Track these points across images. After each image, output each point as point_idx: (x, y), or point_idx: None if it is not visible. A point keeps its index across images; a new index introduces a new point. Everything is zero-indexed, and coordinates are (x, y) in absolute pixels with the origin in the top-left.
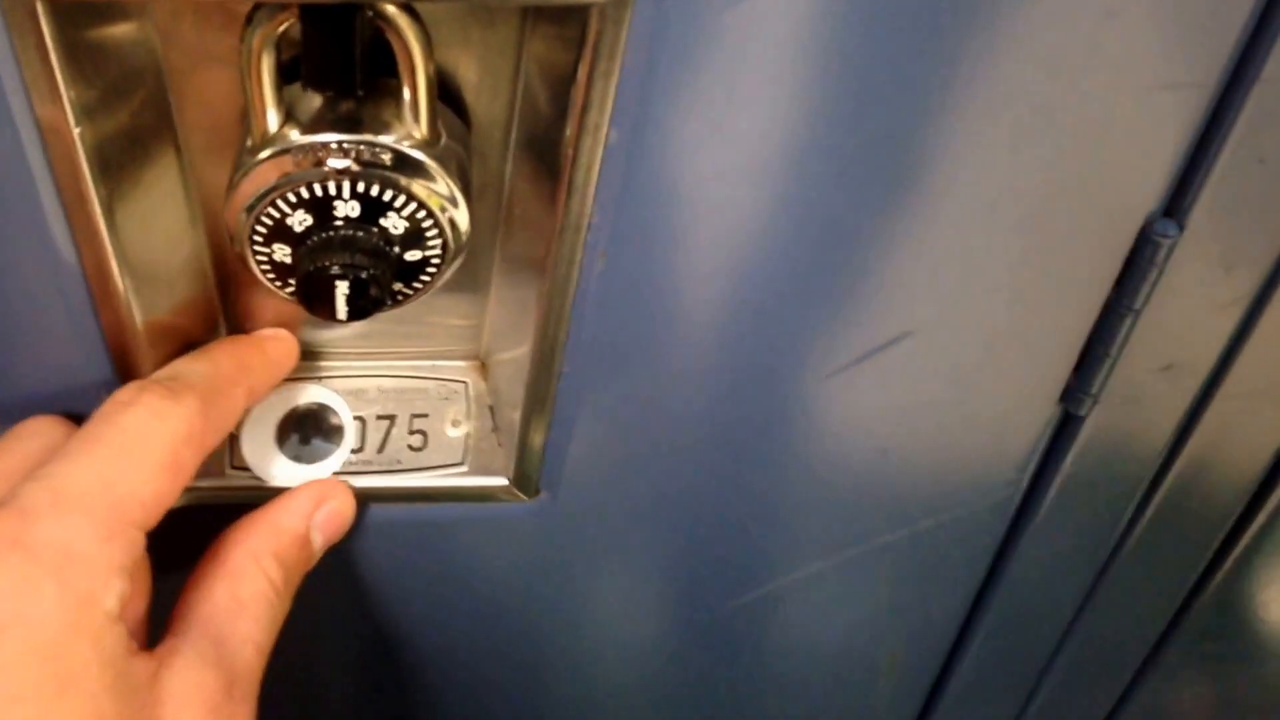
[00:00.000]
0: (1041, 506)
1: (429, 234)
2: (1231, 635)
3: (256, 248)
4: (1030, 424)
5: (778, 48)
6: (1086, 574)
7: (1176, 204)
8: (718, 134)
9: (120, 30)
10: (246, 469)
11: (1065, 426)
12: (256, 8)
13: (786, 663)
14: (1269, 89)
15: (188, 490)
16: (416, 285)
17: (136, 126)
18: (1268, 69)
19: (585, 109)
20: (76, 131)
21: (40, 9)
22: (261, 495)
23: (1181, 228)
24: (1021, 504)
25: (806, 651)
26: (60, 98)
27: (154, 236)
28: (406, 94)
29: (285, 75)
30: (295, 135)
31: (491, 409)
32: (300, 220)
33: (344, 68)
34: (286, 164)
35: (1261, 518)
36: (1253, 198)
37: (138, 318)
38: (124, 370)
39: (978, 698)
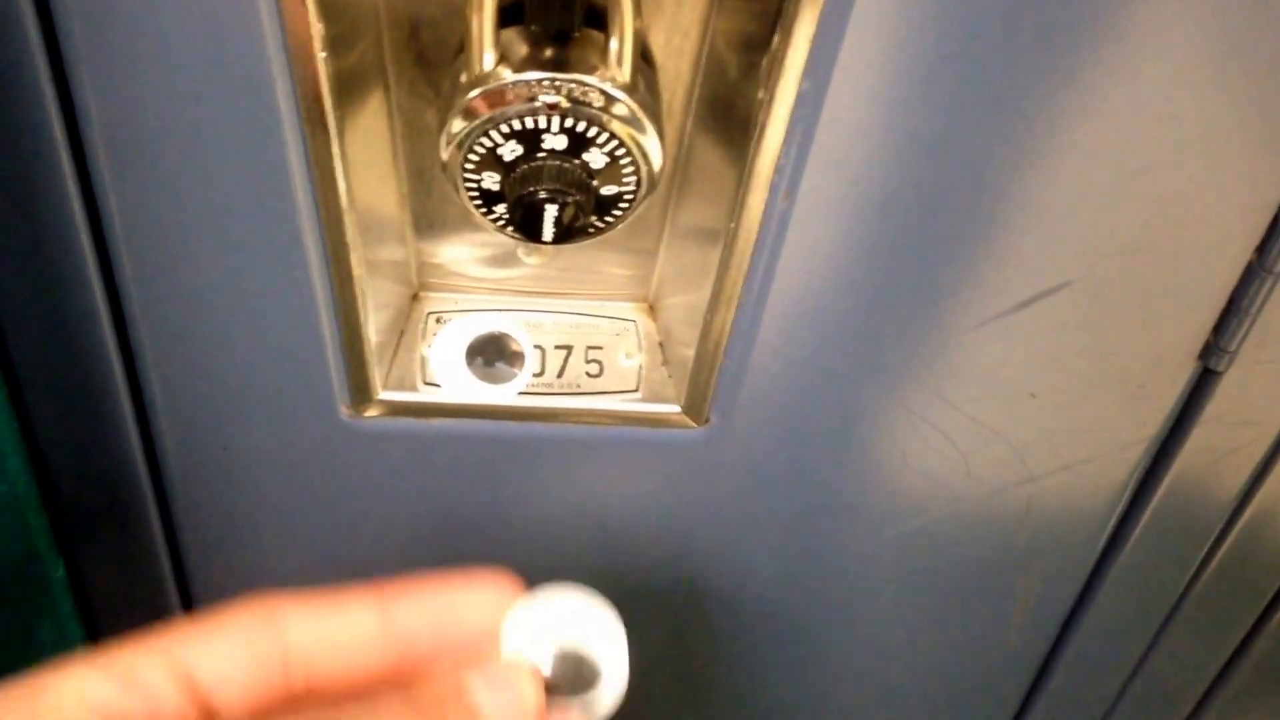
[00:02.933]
0: (1173, 462)
1: (626, 170)
2: None
3: (468, 175)
4: (1171, 378)
5: (954, 30)
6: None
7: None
8: (896, 97)
9: None
10: (437, 385)
11: (1203, 382)
12: None
13: (922, 598)
14: None
15: (381, 403)
16: (611, 218)
17: (362, 64)
18: None
19: (779, 60)
20: (322, 57)
21: None
22: (449, 408)
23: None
24: (1155, 457)
25: (946, 582)
26: (311, 29)
27: (369, 167)
28: (614, 43)
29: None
30: (510, 73)
31: (662, 345)
32: (511, 150)
33: (564, 11)
34: (502, 97)
35: None
36: None
37: (354, 250)
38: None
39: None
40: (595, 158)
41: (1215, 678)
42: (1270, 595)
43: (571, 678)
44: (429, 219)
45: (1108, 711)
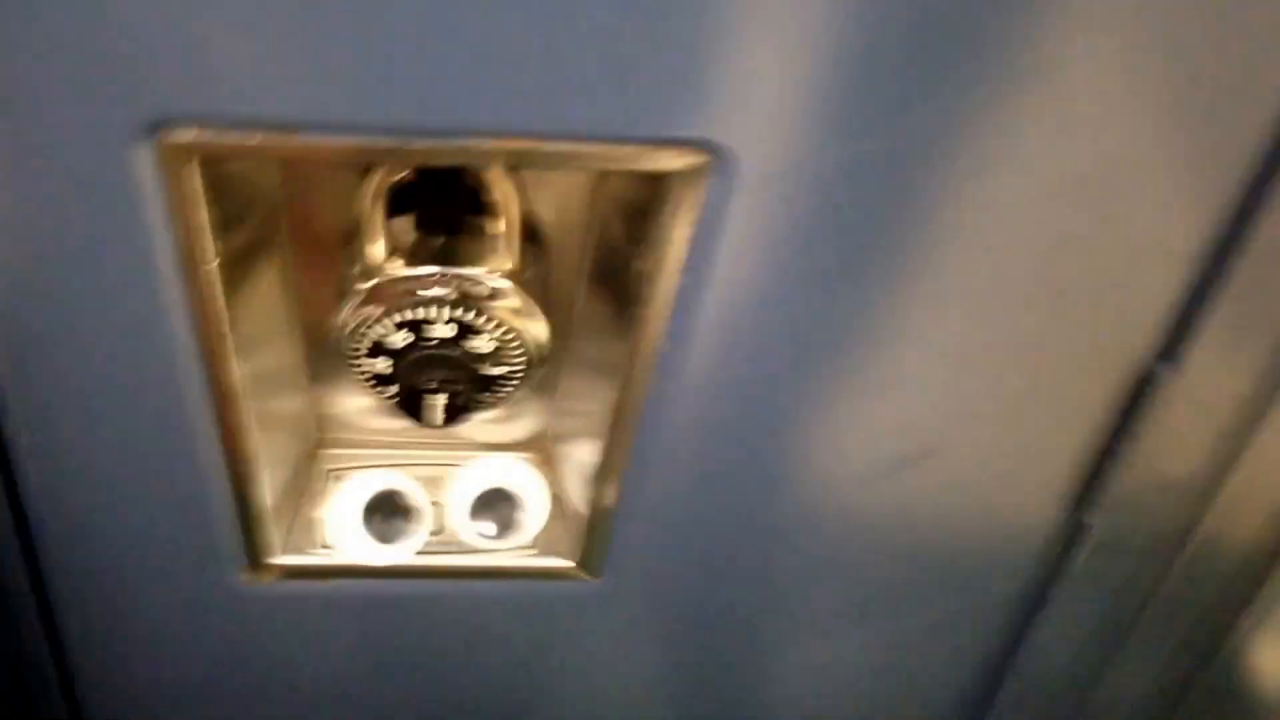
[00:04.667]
0: (1053, 602)
1: (513, 351)
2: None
3: (359, 359)
4: (1044, 529)
5: (817, 216)
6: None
7: (1172, 349)
8: (767, 281)
9: (248, 172)
10: (330, 546)
11: (1076, 533)
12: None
13: None
14: (1256, 260)
15: (277, 568)
16: (498, 395)
17: (253, 239)
18: (1256, 242)
19: (661, 257)
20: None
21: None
22: (347, 570)
23: (1177, 369)
24: (1036, 599)
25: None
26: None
27: (264, 339)
28: (500, 231)
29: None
30: (399, 267)
31: (557, 498)
32: (402, 338)
33: (452, 203)
34: (392, 290)
35: (1254, 611)
36: (1243, 346)
37: (246, 412)
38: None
39: None
40: (483, 343)
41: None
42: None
43: None
44: (328, 373)
45: None
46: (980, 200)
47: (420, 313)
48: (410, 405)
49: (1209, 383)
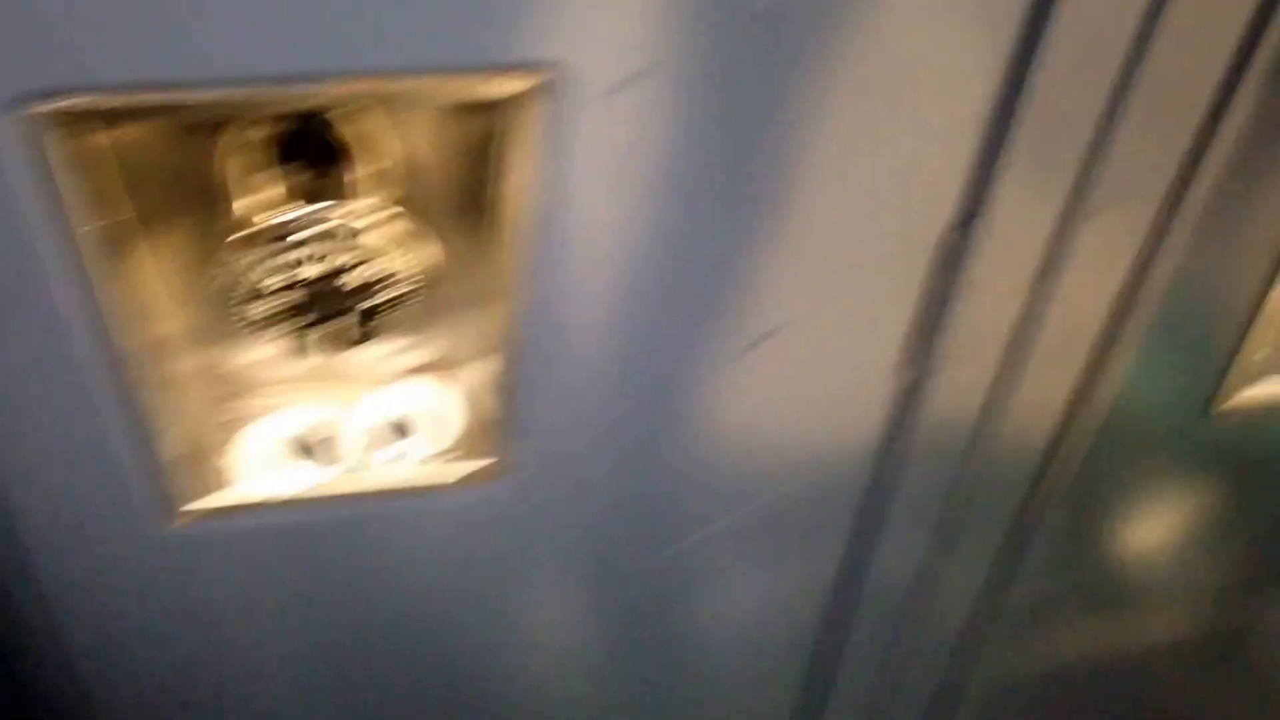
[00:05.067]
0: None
1: (385, 282)
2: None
3: (243, 308)
4: (879, 395)
5: (652, 124)
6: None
7: (971, 212)
8: (614, 187)
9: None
10: (252, 483)
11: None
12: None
13: (696, 619)
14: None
15: (191, 515)
16: (378, 324)
17: (131, 214)
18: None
19: (516, 180)
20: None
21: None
22: (269, 504)
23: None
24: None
25: (713, 608)
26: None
27: (151, 301)
28: (362, 169)
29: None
30: (266, 215)
31: (460, 412)
32: (279, 281)
33: (308, 159)
34: (262, 237)
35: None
36: (1032, 203)
37: (145, 365)
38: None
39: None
40: (352, 278)
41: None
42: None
43: None
44: (225, 332)
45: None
46: (801, 96)
47: (292, 255)
48: (298, 343)
49: (1008, 239)
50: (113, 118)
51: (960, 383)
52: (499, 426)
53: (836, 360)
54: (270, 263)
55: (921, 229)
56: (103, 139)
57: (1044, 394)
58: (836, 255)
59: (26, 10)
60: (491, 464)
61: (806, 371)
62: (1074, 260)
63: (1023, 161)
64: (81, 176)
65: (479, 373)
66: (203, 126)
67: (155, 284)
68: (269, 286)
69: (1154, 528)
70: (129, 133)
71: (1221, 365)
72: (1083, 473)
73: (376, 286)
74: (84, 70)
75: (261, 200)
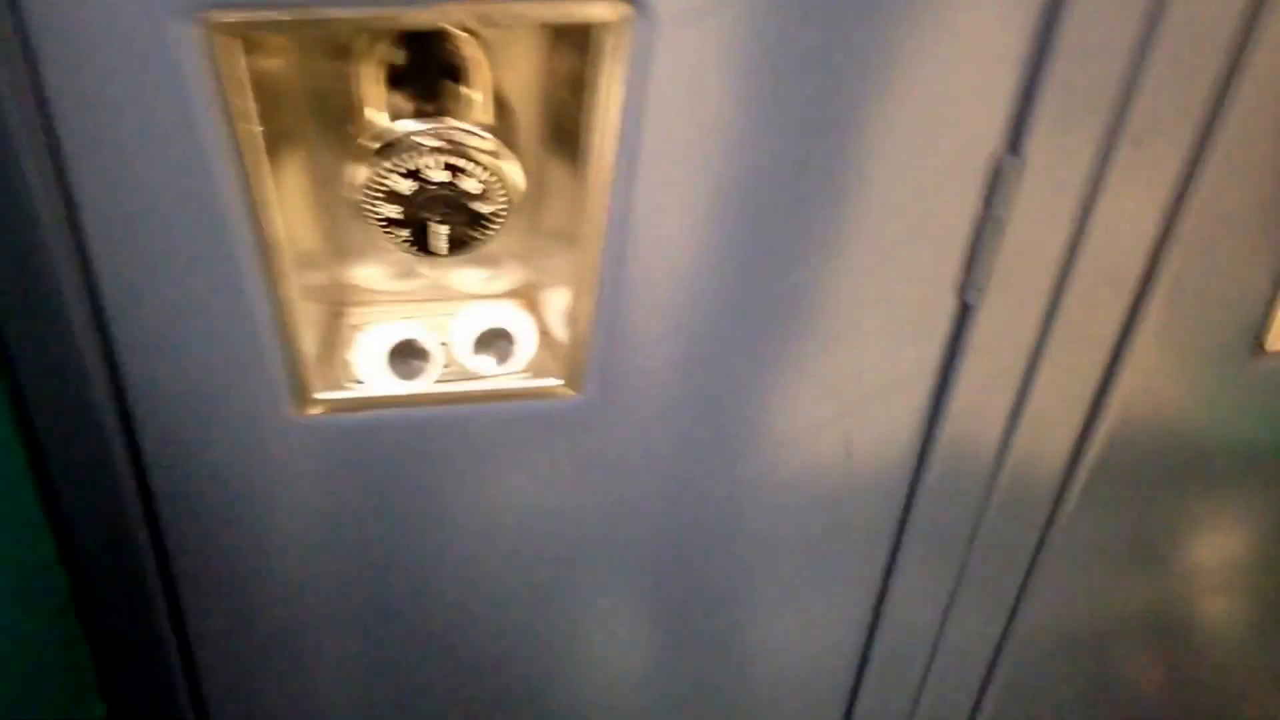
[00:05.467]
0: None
1: (495, 192)
2: None
3: (372, 209)
4: (936, 314)
5: (729, 49)
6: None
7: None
8: (692, 110)
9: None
10: (361, 383)
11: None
12: (366, 35)
13: (771, 529)
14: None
15: (318, 402)
16: (488, 231)
17: (286, 128)
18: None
19: (597, 104)
20: (254, 126)
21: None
22: (375, 401)
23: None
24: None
25: (780, 520)
26: (241, 109)
27: (296, 209)
28: (477, 94)
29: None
30: (398, 125)
31: (543, 332)
32: (407, 185)
33: (436, 72)
34: (396, 145)
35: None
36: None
37: (288, 278)
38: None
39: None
40: (469, 184)
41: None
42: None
43: None
44: (346, 249)
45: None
46: (860, 26)
47: (419, 161)
48: (419, 240)
49: (1051, 167)
50: (271, 31)
51: (1012, 308)
52: (577, 349)
53: (898, 276)
54: (397, 167)
55: (975, 155)
56: (262, 52)
57: (1090, 328)
58: (902, 174)
59: None
60: (566, 383)
61: (868, 290)
62: (1113, 191)
63: (1059, 92)
64: (245, 85)
65: (562, 297)
66: (341, 47)
67: (298, 191)
68: (402, 189)
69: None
70: (282, 47)
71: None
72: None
73: (488, 195)
74: None
75: (389, 113)
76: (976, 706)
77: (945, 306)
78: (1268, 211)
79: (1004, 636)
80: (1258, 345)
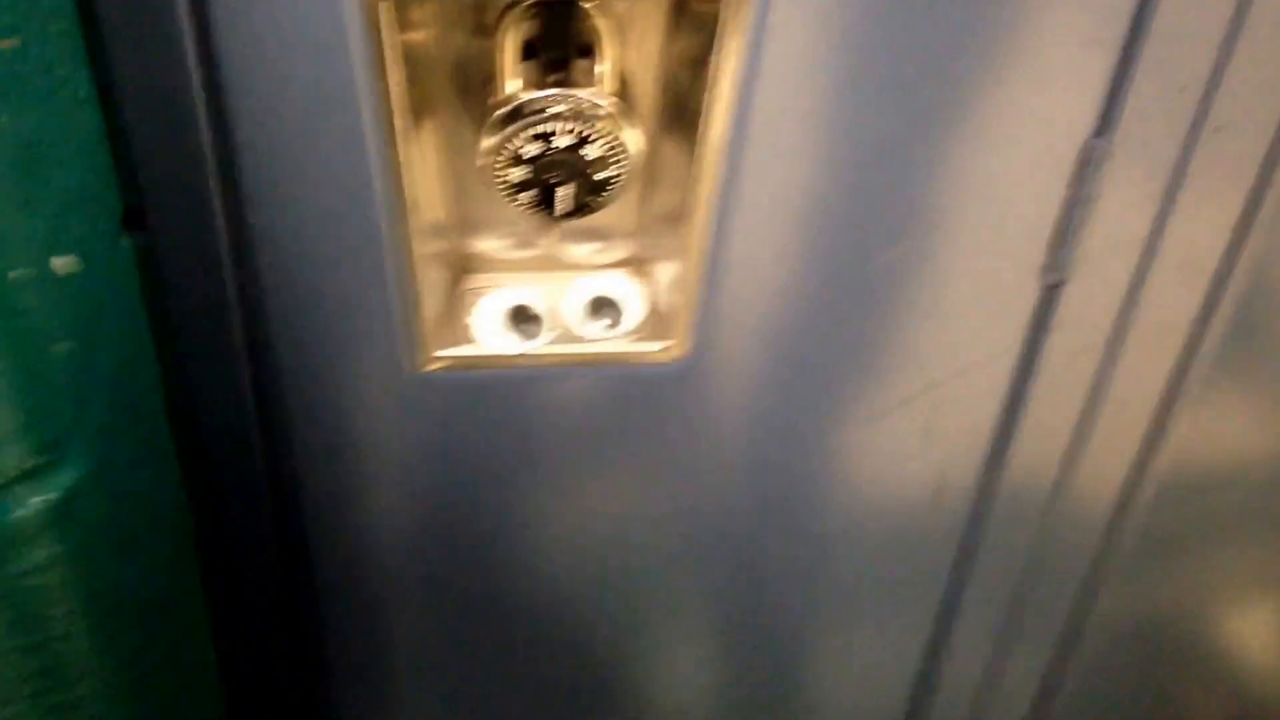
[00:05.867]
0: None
1: (615, 159)
2: None
3: (499, 172)
4: (1022, 297)
5: (840, 24)
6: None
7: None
8: (813, 91)
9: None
10: (478, 342)
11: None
12: (506, 9)
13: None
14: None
15: (438, 359)
16: (605, 196)
17: (423, 99)
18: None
19: (715, 77)
20: (401, 95)
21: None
22: (496, 360)
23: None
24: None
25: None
26: (393, 78)
27: (425, 181)
28: (601, 67)
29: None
30: (528, 93)
31: (651, 299)
32: (532, 149)
33: (564, 46)
34: (523, 111)
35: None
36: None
37: (417, 244)
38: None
39: None
40: (592, 151)
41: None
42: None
43: None
44: (469, 219)
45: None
46: (968, 15)
47: (546, 127)
48: (543, 202)
49: (1139, 152)
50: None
51: (1095, 288)
52: (680, 316)
53: (988, 258)
54: (527, 132)
55: (1064, 139)
56: (409, 25)
57: (1170, 313)
58: (993, 157)
59: None
60: (669, 348)
61: (958, 268)
62: (1196, 176)
63: (1150, 77)
64: (399, 52)
65: (668, 267)
66: (480, 20)
67: (433, 159)
68: (528, 152)
69: None
70: (427, 19)
71: None
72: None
73: (609, 161)
74: None
75: (522, 82)
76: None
77: (1030, 287)
78: None
79: (1073, 633)
80: None
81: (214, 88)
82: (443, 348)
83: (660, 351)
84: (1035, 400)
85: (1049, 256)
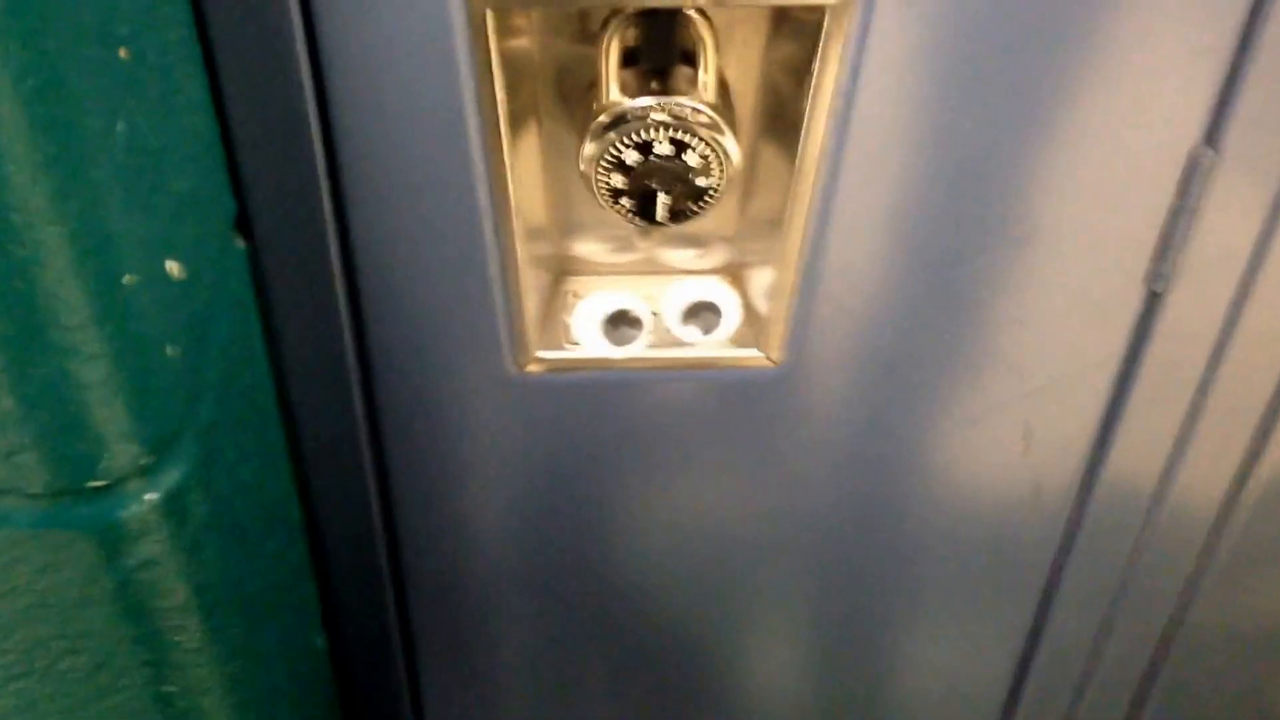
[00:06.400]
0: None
1: (714, 166)
2: None
3: (600, 177)
4: (1125, 304)
5: (943, 33)
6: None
7: (1213, 135)
8: (912, 102)
9: (523, 44)
10: (578, 345)
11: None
12: (610, 17)
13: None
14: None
15: (539, 360)
16: (705, 203)
17: (525, 104)
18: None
19: (815, 86)
20: (504, 101)
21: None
22: (590, 363)
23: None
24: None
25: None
26: (497, 84)
27: (528, 184)
28: (702, 74)
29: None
30: (629, 100)
31: (747, 306)
32: (633, 156)
33: (666, 54)
34: (624, 117)
35: None
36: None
37: (520, 245)
38: (507, 266)
39: None
40: (692, 158)
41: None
42: None
43: None
44: (569, 222)
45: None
46: (1068, 20)
47: (646, 134)
48: (643, 208)
49: (1247, 162)
50: (532, 6)
51: (1199, 299)
52: (776, 323)
53: (1089, 266)
54: (628, 139)
55: (1171, 147)
56: (511, 33)
57: (1272, 325)
58: (1097, 164)
59: None
60: (765, 354)
61: (1058, 275)
62: None
63: (1259, 88)
64: (500, 61)
65: (765, 274)
66: (583, 28)
67: (534, 163)
68: (629, 159)
69: None
70: (530, 27)
71: None
72: None
73: (708, 168)
74: None
75: (623, 90)
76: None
77: (1133, 296)
78: None
79: (1167, 640)
80: None
81: (323, 95)
82: (544, 350)
83: (757, 357)
84: (1135, 409)
85: (1153, 265)
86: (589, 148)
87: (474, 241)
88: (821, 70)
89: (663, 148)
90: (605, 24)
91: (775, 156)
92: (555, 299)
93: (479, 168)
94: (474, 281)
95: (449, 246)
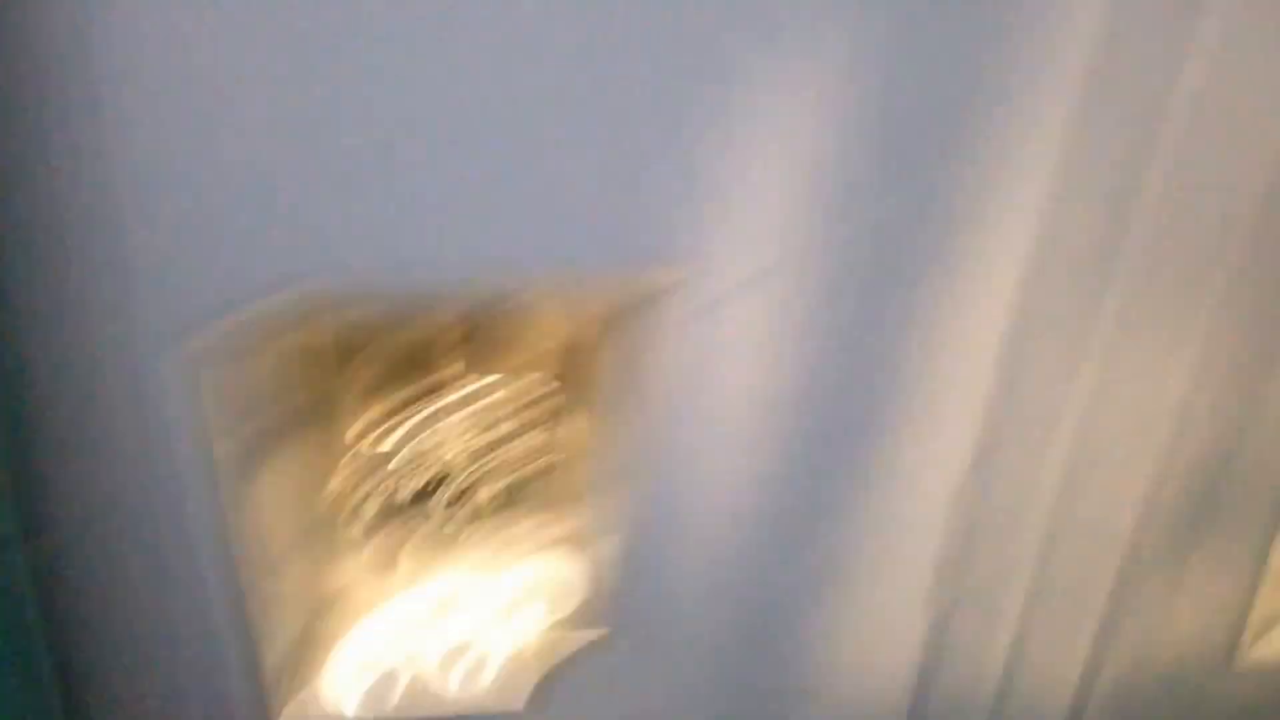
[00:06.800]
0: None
1: (483, 486)
2: None
3: (353, 519)
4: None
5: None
6: None
7: None
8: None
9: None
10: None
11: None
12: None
13: None
14: None
15: None
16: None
17: (260, 441)
18: None
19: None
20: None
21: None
22: None
23: None
24: None
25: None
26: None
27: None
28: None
29: None
30: (373, 436)
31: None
32: (375, 501)
33: (422, 373)
34: (368, 463)
35: None
36: None
37: (251, 592)
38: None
39: None
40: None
41: None
42: None
43: None
44: (325, 553)
45: None
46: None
47: (392, 482)
48: (397, 538)
49: None
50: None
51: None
52: (599, 601)
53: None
54: (371, 485)
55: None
56: (247, 367)
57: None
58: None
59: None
60: (598, 635)
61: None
62: None
63: None
64: (223, 406)
65: (573, 568)
66: (326, 356)
67: (272, 500)
68: (369, 509)
69: None
70: (262, 364)
71: None
72: None
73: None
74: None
75: (371, 421)
76: None
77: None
78: None
79: None
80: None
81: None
82: (291, 706)
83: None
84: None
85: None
86: (328, 494)
87: (194, 579)
88: (634, 358)
89: (406, 491)
90: (349, 359)
91: (593, 434)
92: (310, 638)
93: (203, 516)
94: (197, 624)
95: (176, 602)
